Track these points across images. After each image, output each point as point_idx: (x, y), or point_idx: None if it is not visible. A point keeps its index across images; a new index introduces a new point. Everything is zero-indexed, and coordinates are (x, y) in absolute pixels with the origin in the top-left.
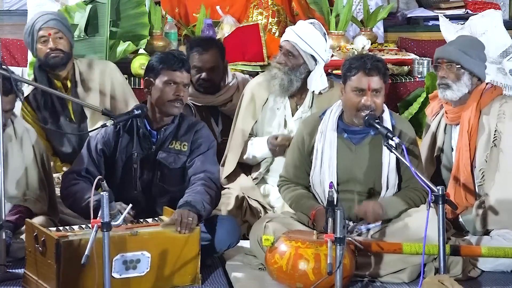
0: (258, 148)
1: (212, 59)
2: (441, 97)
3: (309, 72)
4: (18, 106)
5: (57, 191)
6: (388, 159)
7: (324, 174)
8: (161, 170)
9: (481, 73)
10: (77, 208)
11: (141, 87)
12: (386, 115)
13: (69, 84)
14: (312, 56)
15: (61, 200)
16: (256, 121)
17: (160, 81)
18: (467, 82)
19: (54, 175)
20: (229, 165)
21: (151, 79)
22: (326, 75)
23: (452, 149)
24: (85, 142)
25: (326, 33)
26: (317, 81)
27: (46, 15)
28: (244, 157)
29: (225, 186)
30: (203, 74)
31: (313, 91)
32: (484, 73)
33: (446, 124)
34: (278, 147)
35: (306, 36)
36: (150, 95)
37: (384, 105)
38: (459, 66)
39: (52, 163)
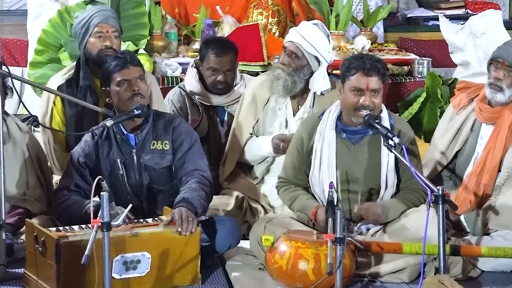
0: (261, 147)
1: (230, 61)
2: (489, 98)
3: (312, 73)
4: (12, 104)
5: None
6: (387, 158)
7: (323, 174)
8: (148, 172)
9: None
10: (76, 219)
11: None
12: (385, 115)
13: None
14: (316, 57)
15: (57, 218)
16: (257, 121)
17: (114, 85)
18: None
19: (55, 177)
20: (229, 164)
21: (108, 88)
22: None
23: (475, 148)
24: (68, 158)
25: (329, 34)
26: (320, 82)
27: (106, 11)
28: (245, 156)
29: (225, 186)
30: (220, 76)
31: (315, 91)
32: None
33: (474, 121)
34: (283, 144)
35: (310, 37)
36: (113, 102)
37: (382, 104)
38: None
39: (60, 161)
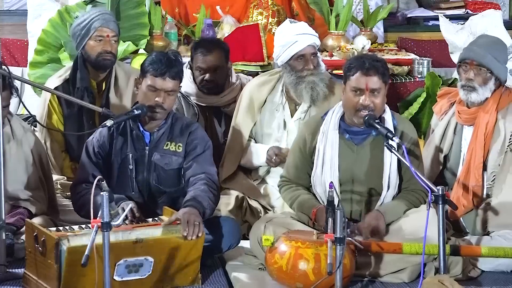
0: (257, 156)
1: (216, 60)
2: (464, 99)
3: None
4: (12, 104)
5: (57, 196)
6: (390, 159)
7: (326, 174)
8: (156, 172)
9: (505, 77)
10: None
11: None
12: (388, 116)
13: (103, 86)
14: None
15: (76, 211)
16: (255, 123)
17: (145, 84)
18: (492, 87)
19: (55, 177)
20: (228, 168)
21: (140, 79)
22: None
23: (461, 150)
24: (83, 149)
25: None
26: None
27: (107, 15)
28: (242, 162)
29: (224, 187)
30: (207, 76)
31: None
32: (506, 77)
33: (456, 124)
34: (276, 158)
35: (312, 31)
36: (138, 94)
37: (386, 105)
38: (490, 71)
39: (59, 160)
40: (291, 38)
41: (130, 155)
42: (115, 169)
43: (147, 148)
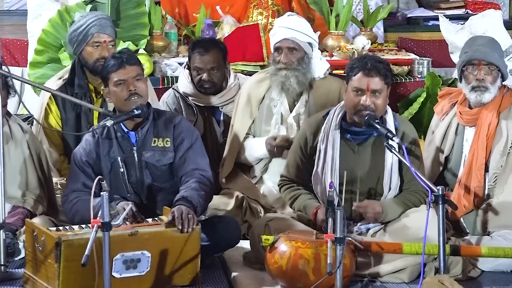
0: (256, 149)
1: (213, 60)
2: (477, 101)
3: (309, 59)
4: (12, 104)
5: (57, 197)
6: (391, 160)
7: (326, 174)
8: (149, 170)
9: (507, 73)
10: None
11: None
12: (389, 117)
13: (101, 90)
14: (309, 43)
15: (70, 221)
16: (253, 121)
17: (112, 85)
18: (499, 84)
19: (54, 179)
20: (227, 165)
21: (107, 87)
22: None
23: (462, 151)
24: (71, 159)
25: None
26: (319, 65)
27: (104, 20)
28: (242, 157)
29: (224, 186)
30: (204, 75)
31: (317, 76)
32: (507, 73)
33: (457, 125)
34: (277, 148)
35: (298, 27)
36: (112, 102)
37: (388, 106)
38: (498, 69)
39: (56, 164)
40: (275, 29)
41: (119, 158)
42: (106, 174)
43: (134, 148)
